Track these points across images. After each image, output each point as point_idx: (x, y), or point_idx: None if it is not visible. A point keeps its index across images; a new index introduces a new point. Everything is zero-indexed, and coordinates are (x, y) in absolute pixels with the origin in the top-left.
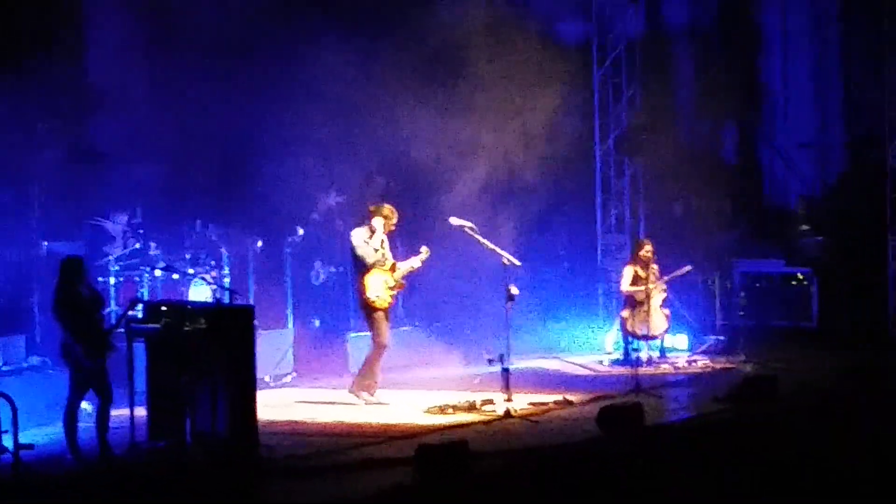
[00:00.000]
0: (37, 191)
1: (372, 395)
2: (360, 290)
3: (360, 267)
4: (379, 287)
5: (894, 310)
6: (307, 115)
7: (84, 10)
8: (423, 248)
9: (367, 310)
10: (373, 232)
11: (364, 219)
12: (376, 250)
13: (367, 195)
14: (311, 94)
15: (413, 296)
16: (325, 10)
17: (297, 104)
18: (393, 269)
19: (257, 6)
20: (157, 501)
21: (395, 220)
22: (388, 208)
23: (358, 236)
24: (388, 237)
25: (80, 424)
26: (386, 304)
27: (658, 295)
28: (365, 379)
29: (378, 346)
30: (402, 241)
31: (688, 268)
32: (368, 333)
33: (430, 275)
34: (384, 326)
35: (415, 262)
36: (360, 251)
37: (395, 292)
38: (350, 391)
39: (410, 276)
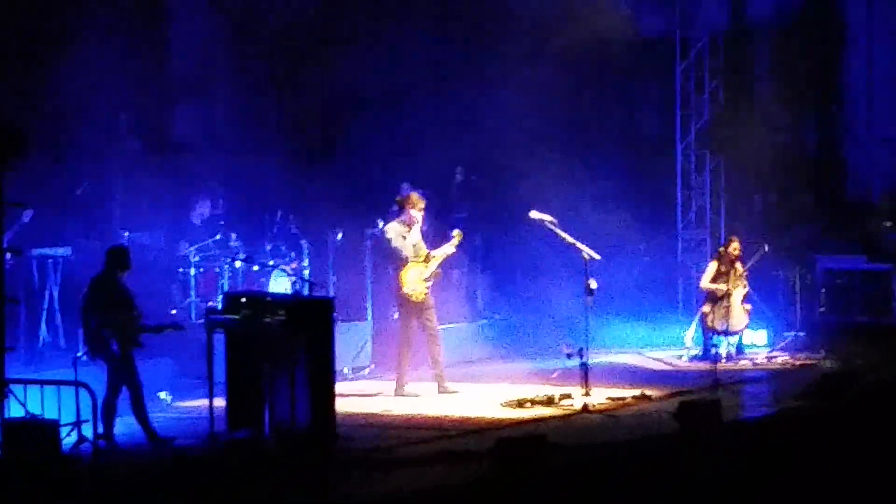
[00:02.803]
0: (119, 181)
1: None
2: (397, 286)
3: (395, 261)
4: (414, 280)
5: None
6: (388, 107)
7: (167, 1)
8: (456, 232)
9: (402, 304)
10: (409, 225)
11: (396, 212)
12: (414, 245)
13: (448, 188)
14: (391, 85)
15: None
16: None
17: (377, 96)
18: (427, 259)
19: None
20: (237, 491)
21: (422, 206)
22: (415, 196)
23: (393, 230)
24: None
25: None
26: (422, 297)
27: (739, 290)
28: (403, 377)
29: (403, 342)
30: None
31: (764, 248)
32: (437, 326)
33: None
34: (414, 321)
35: (448, 249)
36: (395, 243)
37: (430, 283)
38: (397, 395)
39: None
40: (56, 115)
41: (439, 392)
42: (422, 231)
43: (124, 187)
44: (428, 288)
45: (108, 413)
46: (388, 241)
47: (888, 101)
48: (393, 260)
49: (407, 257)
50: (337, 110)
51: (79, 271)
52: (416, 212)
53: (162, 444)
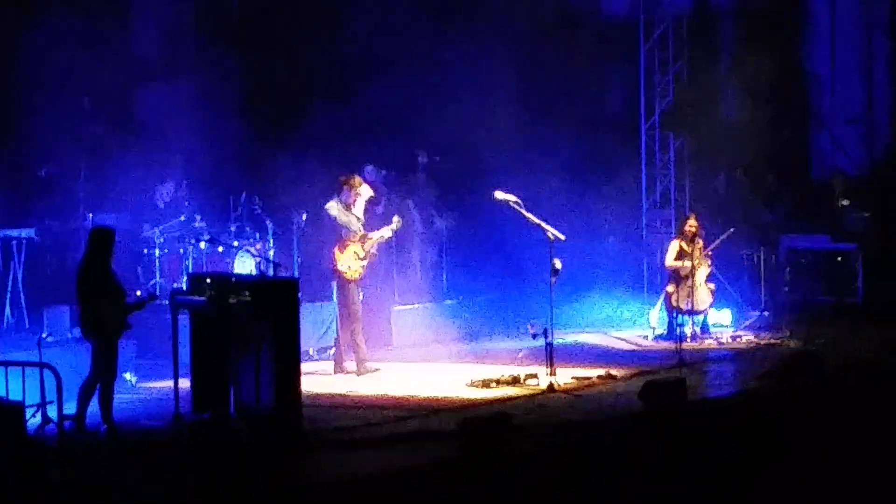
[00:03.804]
0: (82, 163)
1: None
2: (332, 262)
3: (338, 237)
4: (349, 258)
5: None
6: (353, 87)
7: None
8: (395, 218)
9: (339, 282)
10: (349, 203)
11: (335, 191)
12: (359, 219)
13: (411, 169)
14: (356, 66)
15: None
16: None
17: (342, 77)
18: (363, 240)
19: None
20: (201, 472)
21: (361, 188)
22: (357, 179)
23: (336, 208)
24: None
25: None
26: (357, 276)
27: (703, 270)
28: (362, 354)
29: (353, 319)
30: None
31: (730, 231)
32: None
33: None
34: (356, 298)
35: (385, 233)
36: (341, 219)
37: (365, 263)
38: (360, 375)
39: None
40: (19, 96)
41: (337, 372)
42: (378, 210)
43: (88, 169)
44: (363, 267)
45: (85, 395)
46: (333, 217)
47: (851, 82)
48: (337, 236)
49: (354, 232)
50: (302, 91)
51: (43, 253)
52: (355, 193)
53: (114, 436)
